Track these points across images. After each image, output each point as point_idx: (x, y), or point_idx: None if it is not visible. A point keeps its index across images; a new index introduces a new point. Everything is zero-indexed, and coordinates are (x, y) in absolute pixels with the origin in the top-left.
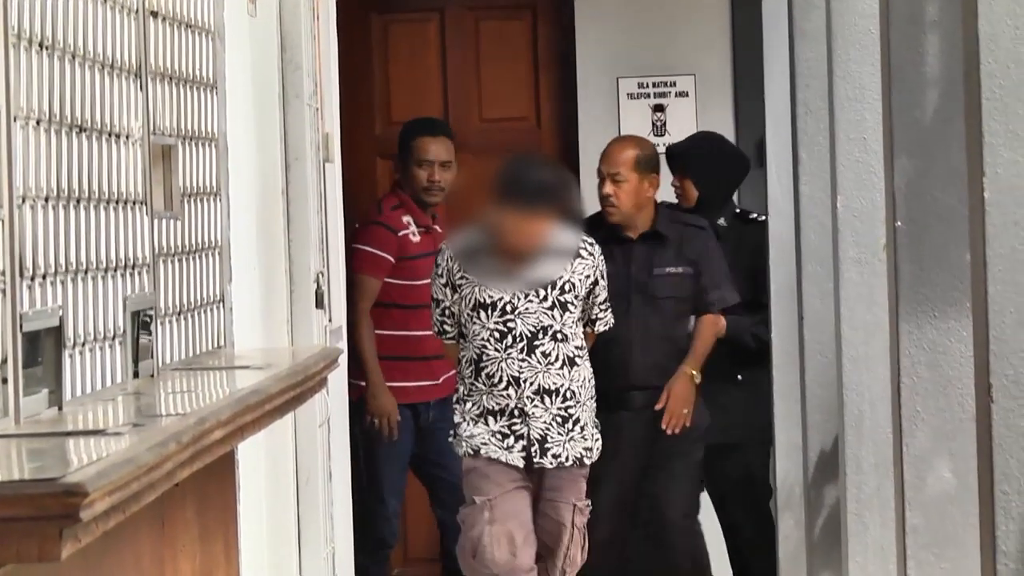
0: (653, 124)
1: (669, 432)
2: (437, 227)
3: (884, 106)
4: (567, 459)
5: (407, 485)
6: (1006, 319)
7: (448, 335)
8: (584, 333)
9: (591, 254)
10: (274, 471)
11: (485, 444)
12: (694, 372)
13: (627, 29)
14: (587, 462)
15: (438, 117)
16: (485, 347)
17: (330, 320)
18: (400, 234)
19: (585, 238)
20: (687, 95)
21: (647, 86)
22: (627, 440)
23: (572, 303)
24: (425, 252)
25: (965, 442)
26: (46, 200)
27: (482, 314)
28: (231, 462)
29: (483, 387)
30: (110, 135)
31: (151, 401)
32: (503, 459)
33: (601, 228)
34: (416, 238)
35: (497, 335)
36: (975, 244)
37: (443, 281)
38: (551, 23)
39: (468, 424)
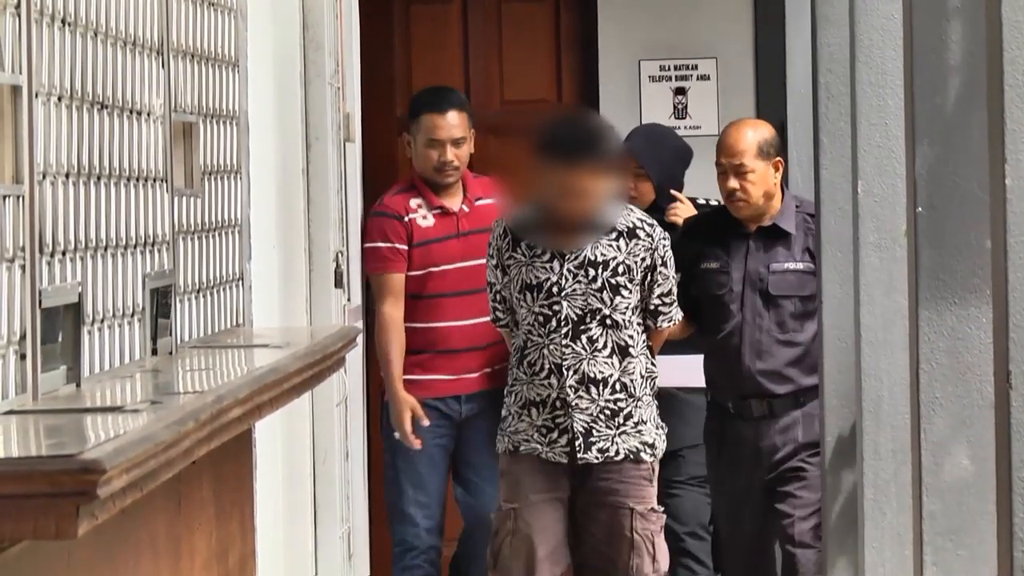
0: (675, 107)
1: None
2: (465, 207)
3: (906, 92)
4: (617, 453)
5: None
6: None
7: (501, 322)
8: (647, 329)
9: (649, 235)
10: (291, 450)
11: (527, 441)
12: None
13: (649, 12)
14: (646, 458)
15: (448, 87)
16: (530, 332)
17: (349, 299)
18: (407, 218)
19: (645, 217)
20: (709, 78)
21: (669, 69)
22: (746, 453)
23: (626, 287)
24: (442, 236)
25: (983, 429)
26: (67, 176)
27: (528, 296)
28: (248, 440)
29: (524, 376)
30: (131, 112)
31: (169, 379)
32: (544, 455)
33: (721, 221)
34: (428, 221)
35: (541, 319)
36: (996, 231)
37: (494, 263)
38: (573, 5)
39: (512, 418)
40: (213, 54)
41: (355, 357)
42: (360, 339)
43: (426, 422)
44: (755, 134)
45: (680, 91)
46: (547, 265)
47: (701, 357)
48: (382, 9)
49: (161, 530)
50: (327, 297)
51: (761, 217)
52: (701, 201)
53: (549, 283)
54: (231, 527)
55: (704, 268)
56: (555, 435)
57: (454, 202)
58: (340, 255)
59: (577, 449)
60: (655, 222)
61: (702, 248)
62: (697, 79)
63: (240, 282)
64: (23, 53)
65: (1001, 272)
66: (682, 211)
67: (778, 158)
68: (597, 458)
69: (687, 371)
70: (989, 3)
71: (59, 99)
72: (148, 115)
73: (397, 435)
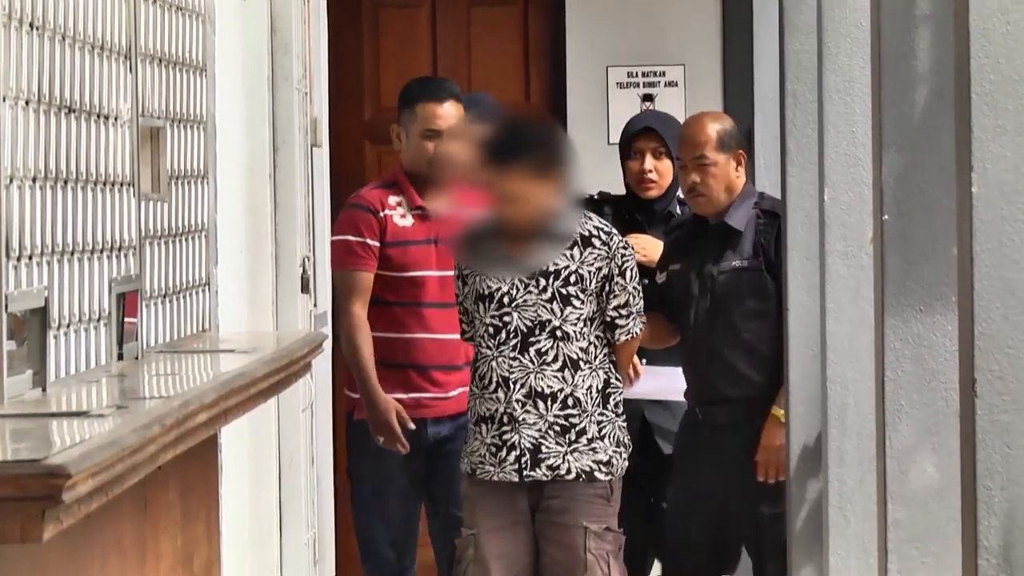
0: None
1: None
2: (448, 213)
3: (873, 99)
4: (569, 471)
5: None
6: (992, 314)
7: (466, 335)
8: (607, 342)
9: (606, 244)
10: (257, 455)
11: (481, 462)
12: (781, 413)
13: (617, 18)
14: (601, 477)
15: (444, 78)
16: (481, 345)
17: (315, 305)
18: (383, 214)
19: (601, 225)
20: (676, 85)
21: (636, 75)
22: (709, 460)
23: (578, 297)
24: (420, 239)
25: (949, 437)
26: (33, 180)
27: (481, 307)
28: (214, 445)
29: (476, 391)
30: (99, 116)
31: (135, 383)
32: (495, 477)
33: (690, 219)
34: (405, 221)
35: (492, 330)
36: (962, 239)
37: (455, 273)
38: (541, 11)
39: (470, 437)
40: (181, 58)
41: (322, 362)
42: (327, 344)
43: (412, 425)
44: (715, 125)
45: (648, 97)
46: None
47: None
48: (350, 13)
49: (127, 533)
50: (294, 302)
51: (723, 213)
52: (588, 195)
53: (500, 293)
54: (197, 531)
55: (672, 270)
56: (504, 452)
57: (438, 205)
58: (307, 260)
59: (524, 466)
60: (614, 230)
61: (671, 249)
62: (665, 85)
63: (207, 287)
64: None
65: (967, 280)
66: (646, 243)
67: (740, 151)
68: (546, 476)
69: None
70: (958, 11)
71: (27, 103)
72: (115, 119)
73: (381, 440)
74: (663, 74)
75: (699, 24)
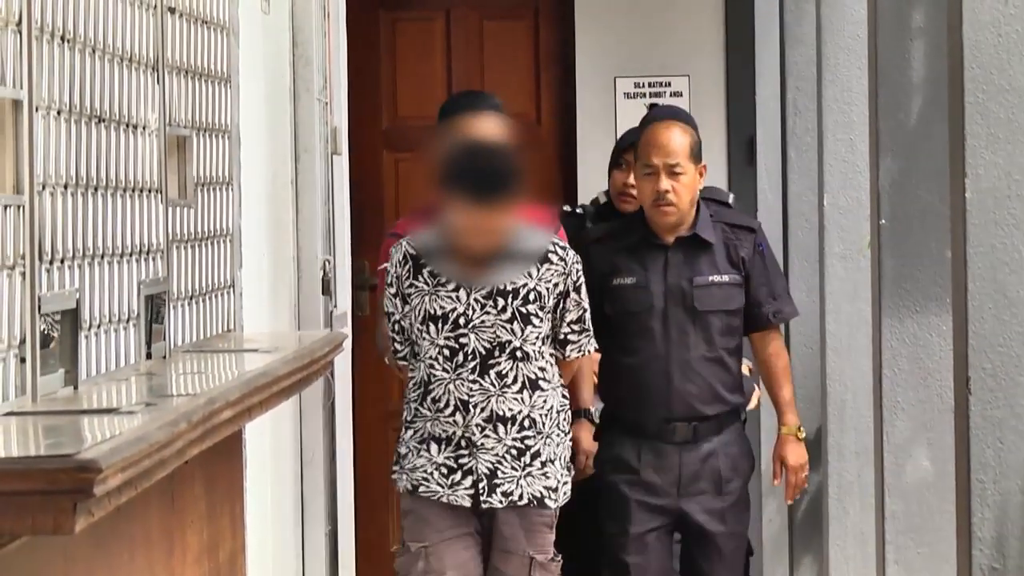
0: None
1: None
2: None
3: (870, 108)
4: (521, 497)
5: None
6: (984, 314)
7: (399, 354)
8: (558, 361)
9: (562, 259)
10: (279, 451)
11: (426, 480)
12: (796, 429)
13: (625, 31)
14: (550, 504)
15: (484, 91)
16: (433, 366)
17: (336, 306)
18: None
19: (557, 241)
20: (681, 95)
21: (643, 86)
22: (667, 479)
23: (537, 315)
24: None
25: (943, 432)
26: (65, 187)
27: (432, 328)
28: (239, 441)
29: (428, 413)
30: (127, 126)
31: (163, 381)
32: (445, 499)
33: (634, 230)
34: None
35: (447, 352)
36: (956, 242)
37: (392, 291)
38: (552, 24)
39: (411, 455)
40: (206, 70)
41: (342, 361)
42: (347, 344)
43: None
44: (687, 134)
45: (654, 107)
46: (452, 295)
47: None
48: (369, 26)
49: (155, 526)
50: (314, 303)
51: (679, 227)
52: (567, 208)
53: (456, 314)
54: (222, 524)
55: (618, 284)
56: (458, 476)
57: None
58: (327, 263)
59: (480, 492)
60: (567, 245)
61: (612, 263)
62: (670, 95)
63: (231, 289)
64: (24, 69)
65: (961, 281)
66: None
67: (703, 163)
68: (501, 502)
69: None
70: (951, 24)
71: (58, 113)
72: (143, 129)
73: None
74: (668, 84)
75: (703, 36)
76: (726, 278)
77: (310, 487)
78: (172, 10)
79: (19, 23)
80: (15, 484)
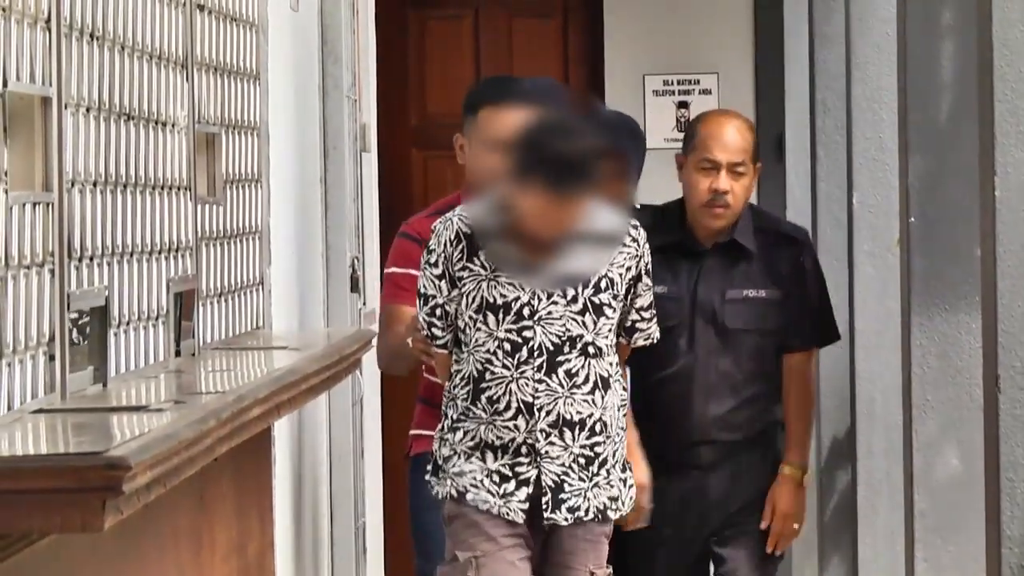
0: (677, 120)
1: (774, 552)
2: None
3: (900, 107)
4: (587, 512)
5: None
6: (1014, 312)
7: (440, 340)
8: (617, 345)
9: (635, 240)
10: (308, 448)
11: (475, 487)
12: (800, 472)
13: (653, 28)
14: (612, 516)
15: (512, 76)
16: (490, 362)
17: (364, 303)
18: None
19: (632, 221)
20: (710, 93)
21: (672, 84)
22: (692, 505)
23: (610, 305)
24: None
25: (972, 430)
26: (94, 185)
27: (490, 318)
28: (267, 438)
29: (482, 414)
30: (156, 123)
31: (192, 379)
32: (496, 511)
33: (670, 227)
34: None
35: (508, 347)
36: (985, 240)
37: (437, 272)
38: (581, 22)
39: (458, 458)
40: (235, 68)
41: (371, 359)
42: (375, 341)
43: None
44: (751, 131)
45: (683, 105)
46: (515, 281)
47: None
48: (398, 24)
49: (184, 523)
50: (343, 301)
51: (721, 232)
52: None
53: (519, 303)
54: (250, 521)
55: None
56: (511, 486)
57: None
58: (356, 261)
59: (544, 507)
60: (639, 224)
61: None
62: (699, 93)
63: (260, 286)
64: (53, 66)
65: (990, 279)
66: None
67: (759, 163)
68: (567, 520)
69: None
70: (981, 22)
71: (87, 110)
72: (172, 126)
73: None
74: (697, 82)
75: (732, 34)
76: (763, 293)
77: (339, 484)
78: (201, 7)
79: (48, 21)
80: (44, 482)
